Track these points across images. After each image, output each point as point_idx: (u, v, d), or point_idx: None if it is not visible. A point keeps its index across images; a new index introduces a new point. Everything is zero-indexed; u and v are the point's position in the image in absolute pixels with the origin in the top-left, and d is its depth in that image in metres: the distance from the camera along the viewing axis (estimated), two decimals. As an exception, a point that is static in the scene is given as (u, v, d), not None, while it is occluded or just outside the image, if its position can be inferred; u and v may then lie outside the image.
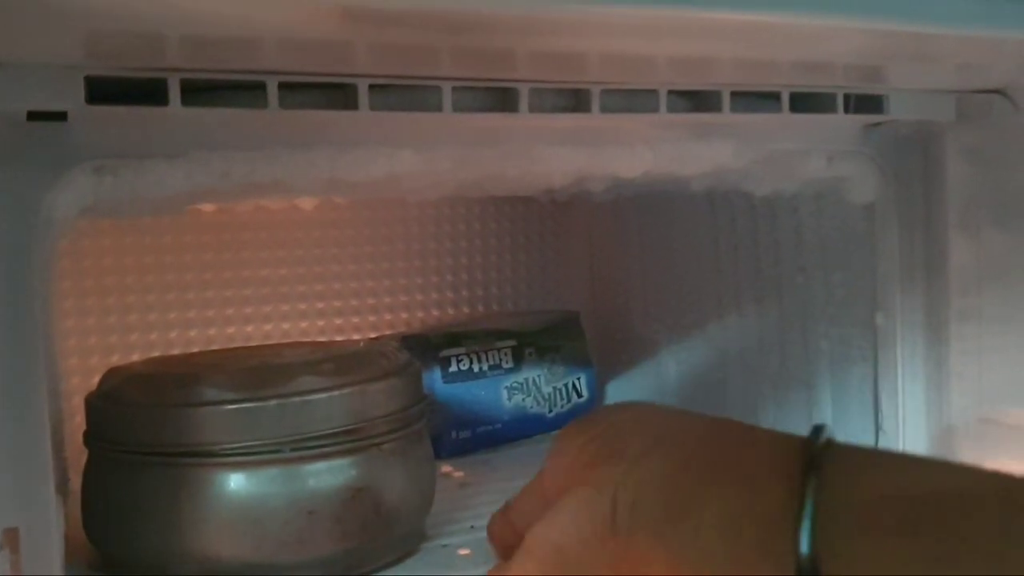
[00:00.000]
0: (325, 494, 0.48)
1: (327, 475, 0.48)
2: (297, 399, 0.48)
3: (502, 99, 0.47)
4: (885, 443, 0.63)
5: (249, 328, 0.82)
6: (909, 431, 0.62)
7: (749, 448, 0.36)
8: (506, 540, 0.44)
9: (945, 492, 0.31)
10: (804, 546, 0.31)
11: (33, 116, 0.40)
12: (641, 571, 0.36)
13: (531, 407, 0.81)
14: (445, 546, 0.53)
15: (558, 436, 0.41)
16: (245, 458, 0.47)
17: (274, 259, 0.83)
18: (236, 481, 0.47)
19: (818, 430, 0.33)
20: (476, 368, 0.78)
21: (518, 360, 0.80)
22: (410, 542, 0.53)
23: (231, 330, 0.81)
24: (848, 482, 0.32)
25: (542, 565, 0.38)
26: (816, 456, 0.32)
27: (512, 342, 0.81)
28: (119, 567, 0.50)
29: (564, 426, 0.41)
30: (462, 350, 0.78)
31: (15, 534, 0.40)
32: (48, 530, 0.41)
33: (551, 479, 0.40)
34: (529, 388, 0.81)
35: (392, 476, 0.50)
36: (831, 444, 0.33)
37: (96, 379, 0.56)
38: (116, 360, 0.72)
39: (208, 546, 0.47)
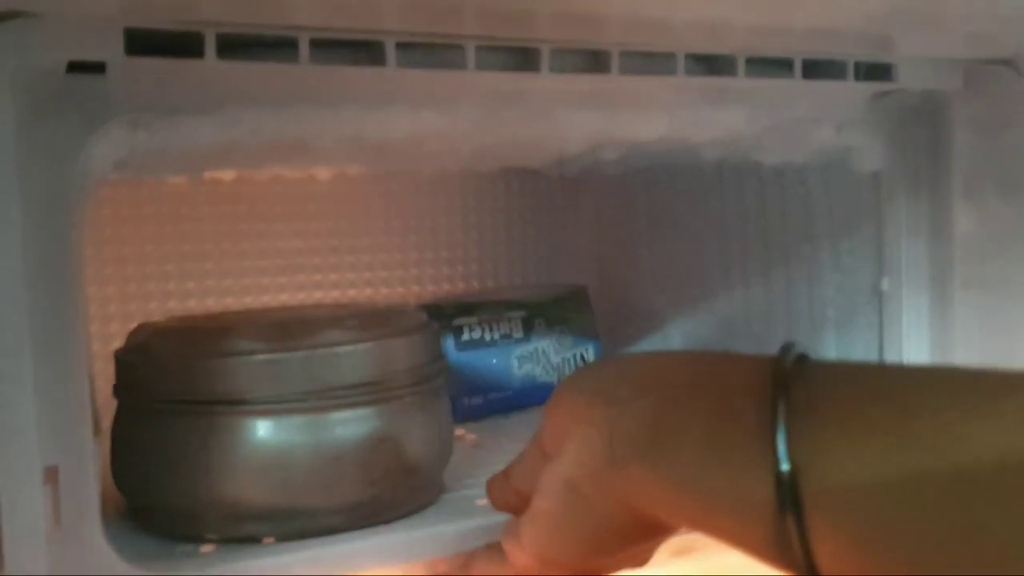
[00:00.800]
0: (350, 442, 0.49)
1: (352, 424, 0.49)
2: (324, 351, 0.49)
3: (523, 59, 0.48)
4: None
5: (265, 298, 0.83)
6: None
7: (726, 373, 0.37)
8: (506, 500, 0.47)
9: (908, 388, 0.32)
10: (783, 463, 0.32)
11: (73, 68, 0.41)
12: (638, 498, 0.37)
13: (540, 376, 0.82)
14: (464, 497, 0.55)
15: (551, 401, 0.43)
16: (274, 406, 0.48)
17: (290, 231, 0.84)
18: (265, 429, 0.48)
19: (787, 348, 0.35)
20: (488, 337, 0.80)
21: (528, 331, 0.82)
22: (430, 492, 0.54)
23: (248, 299, 0.83)
24: (818, 395, 0.33)
25: (556, 500, 0.40)
26: (785, 373, 0.34)
27: (522, 313, 0.82)
28: (149, 514, 0.51)
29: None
30: (474, 319, 0.80)
31: (55, 472, 0.42)
32: (86, 469, 0.42)
33: (549, 437, 0.43)
34: (539, 358, 0.82)
35: (413, 427, 0.52)
36: (801, 360, 0.35)
37: (115, 346, 0.57)
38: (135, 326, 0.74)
39: (237, 492, 0.48)
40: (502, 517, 0.52)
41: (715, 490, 0.35)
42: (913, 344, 0.65)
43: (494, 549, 0.45)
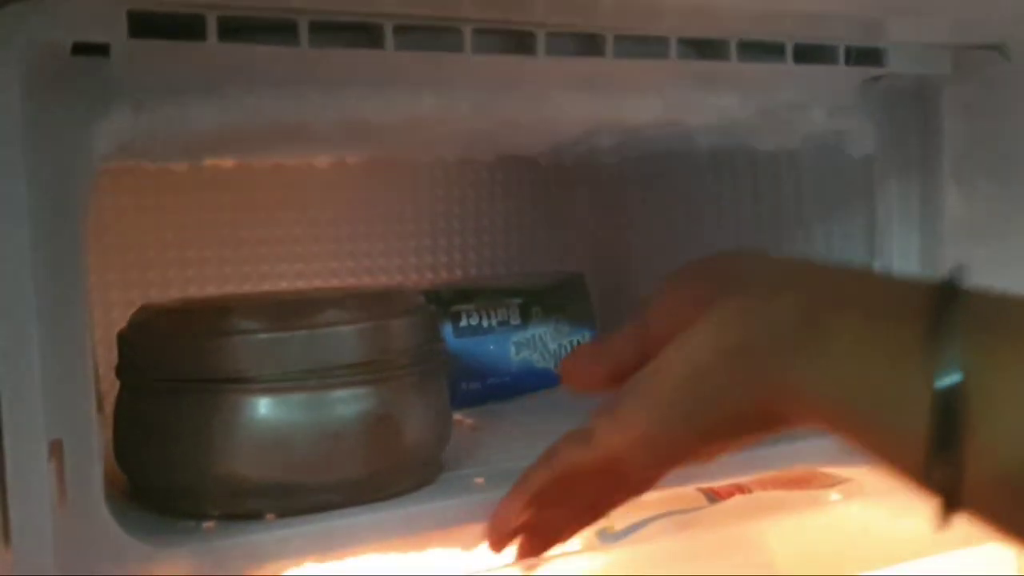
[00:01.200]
0: (350, 420, 0.50)
1: (352, 402, 0.50)
2: (325, 330, 0.50)
3: (519, 43, 0.49)
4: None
5: (265, 285, 0.84)
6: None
7: (879, 285, 0.36)
8: (588, 379, 0.46)
9: None
10: (945, 377, 0.30)
11: (77, 50, 0.42)
12: (778, 393, 0.36)
13: (537, 362, 0.83)
14: (462, 476, 0.56)
15: (665, 284, 0.42)
16: (275, 385, 0.49)
17: (288, 219, 0.85)
18: (266, 407, 0.49)
19: (957, 272, 0.33)
20: (486, 323, 0.81)
21: (525, 317, 0.83)
22: (429, 471, 0.55)
23: (247, 287, 0.83)
24: (991, 312, 0.32)
25: (676, 380, 0.39)
26: (957, 291, 0.32)
27: (519, 300, 0.83)
28: (152, 492, 0.52)
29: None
30: (472, 306, 0.81)
31: (60, 446, 0.42)
32: (89, 444, 0.43)
33: (656, 321, 0.41)
34: (536, 344, 0.83)
35: (412, 406, 0.53)
36: (966, 288, 0.33)
37: (117, 331, 0.58)
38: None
39: (239, 468, 0.49)
40: (501, 493, 0.53)
41: (870, 395, 0.33)
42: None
43: (578, 434, 0.45)
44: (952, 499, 0.31)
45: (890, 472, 0.34)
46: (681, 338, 0.39)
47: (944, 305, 0.32)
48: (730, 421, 0.38)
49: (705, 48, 0.54)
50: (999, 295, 0.33)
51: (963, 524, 0.32)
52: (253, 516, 0.49)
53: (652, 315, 0.42)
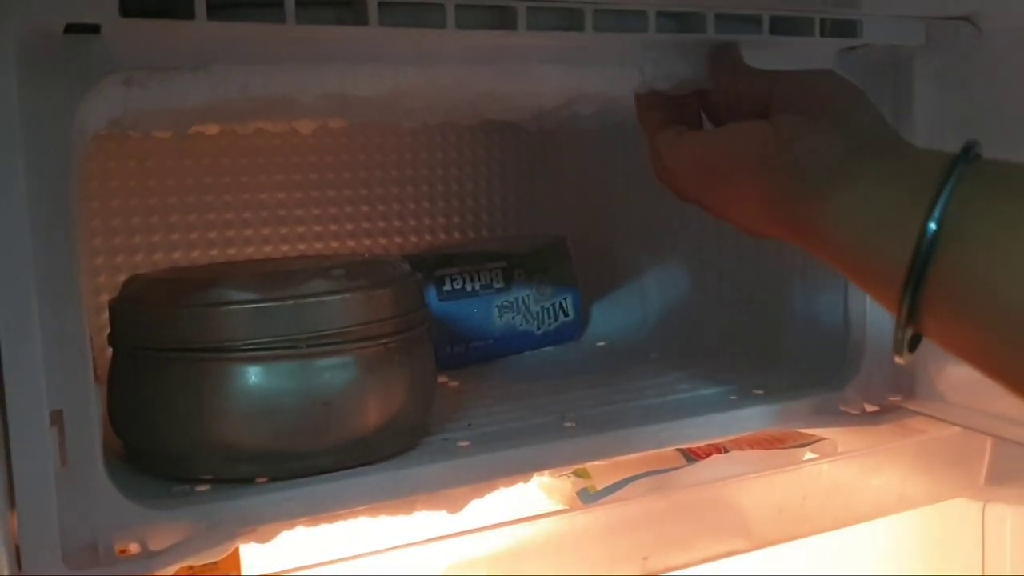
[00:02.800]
0: (337, 387, 0.52)
1: (340, 370, 0.52)
2: (312, 299, 0.51)
3: (501, 17, 0.50)
4: (852, 349, 0.67)
5: (250, 250, 0.85)
6: (874, 333, 0.66)
7: (914, 153, 0.43)
8: (654, 115, 0.56)
9: None
10: (935, 218, 0.37)
11: (69, 29, 0.42)
12: (779, 211, 0.45)
13: (520, 325, 0.85)
14: (446, 439, 0.57)
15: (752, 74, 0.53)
16: (264, 353, 0.50)
17: (272, 183, 0.86)
18: (256, 374, 0.50)
19: (972, 143, 0.40)
20: (469, 287, 0.82)
21: (508, 281, 0.84)
22: (415, 435, 0.57)
23: (232, 251, 0.85)
24: (992, 172, 0.39)
25: (691, 154, 0.51)
26: (968, 153, 0.39)
27: (503, 263, 0.84)
28: (147, 457, 0.53)
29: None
30: (455, 270, 0.82)
31: (60, 415, 0.44)
32: (89, 413, 0.45)
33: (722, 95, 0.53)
34: (519, 307, 0.85)
35: (398, 372, 0.54)
36: (978, 155, 0.40)
37: (103, 298, 0.59)
38: (123, 280, 0.76)
39: (230, 435, 0.51)
40: (482, 457, 0.55)
41: (870, 235, 0.40)
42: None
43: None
44: (913, 317, 0.39)
45: (870, 294, 0.43)
46: (737, 126, 0.49)
47: (951, 166, 0.38)
48: (732, 200, 0.49)
49: (683, 20, 0.55)
50: (1007, 163, 0.39)
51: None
52: (245, 480, 0.51)
53: (747, 79, 0.53)
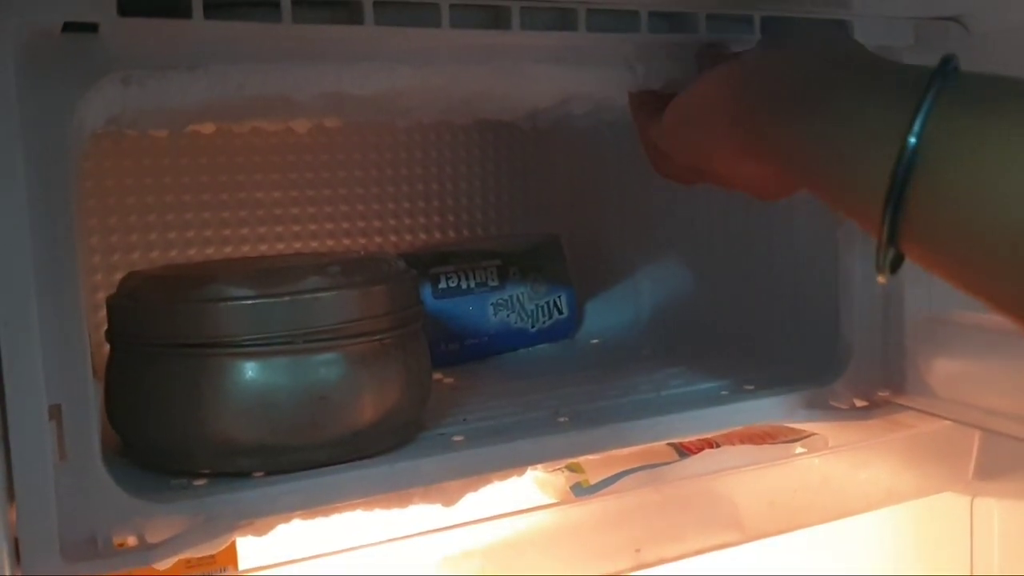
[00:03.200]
0: (333, 382, 0.52)
1: (335, 365, 0.52)
2: (308, 296, 0.52)
3: (495, 17, 0.50)
4: (842, 345, 0.68)
5: (246, 248, 0.86)
6: (864, 329, 0.67)
7: (893, 72, 0.42)
8: (647, 110, 0.56)
9: None
10: (914, 133, 0.36)
11: (68, 27, 0.43)
12: (755, 141, 0.44)
13: (515, 322, 0.85)
14: (441, 434, 0.58)
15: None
16: (260, 349, 0.51)
17: (268, 182, 0.87)
18: (253, 369, 0.51)
19: (947, 58, 0.39)
20: (464, 285, 0.83)
21: (503, 279, 0.85)
22: (410, 430, 0.57)
23: (228, 250, 0.85)
24: (971, 86, 0.38)
25: (671, 114, 0.51)
26: (947, 66, 0.38)
27: (497, 262, 0.85)
28: (144, 452, 0.54)
29: None
30: (451, 268, 0.83)
31: (59, 410, 0.44)
32: (87, 407, 0.45)
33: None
34: (513, 305, 0.85)
35: (393, 368, 0.55)
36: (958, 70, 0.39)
37: (100, 296, 0.59)
38: (119, 278, 0.76)
39: (227, 429, 0.51)
40: (476, 451, 0.55)
41: (847, 157, 0.39)
42: (866, 292, 0.68)
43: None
44: (893, 238, 0.37)
45: (851, 218, 0.41)
46: (705, 72, 0.49)
47: (929, 82, 0.37)
48: (715, 149, 0.48)
49: (675, 21, 0.56)
50: (988, 76, 0.39)
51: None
52: (242, 474, 0.51)
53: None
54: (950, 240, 0.36)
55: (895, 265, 0.40)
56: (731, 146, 0.46)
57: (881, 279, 0.40)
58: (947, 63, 0.38)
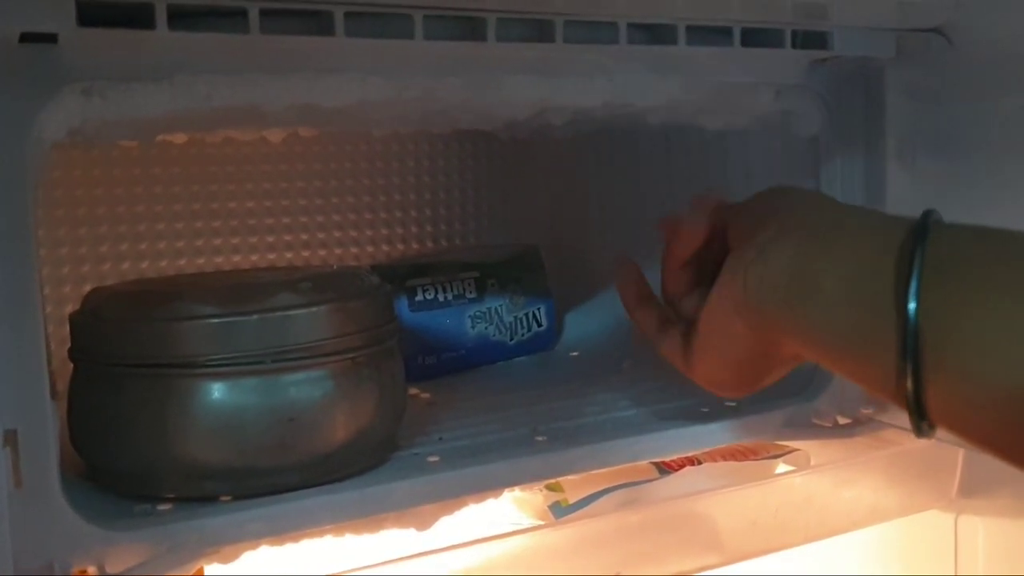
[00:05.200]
0: (304, 403, 0.51)
1: (305, 385, 0.51)
2: (278, 314, 0.50)
3: (471, 28, 0.49)
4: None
5: (219, 259, 0.84)
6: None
7: (866, 229, 0.42)
8: (636, 291, 0.60)
9: None
10: (911, 308, 0.36)
11: (25, 38, 0.41)
12: (772, 336, 0.45)
13: (493, 335, 0.84)
14: (416, 454, 0.57)
15: (732, 212, 0.51)
16: (228, 369, 0.49)
17: (242, 192, 0.85)
18: (220, 390, 0.49)
19: (928, 213, 0.39)
20: (441, 298, 0.81)
21: (481, 291, 0.83)
22: (384, 450, 0.56)
23: (201, 261, 0.83)
24: (954, 251, 0.38)
25: (701, 336, 0.50)
26: (924, 229, 0.38)
27: (475, 273, 0.84)
28: (107, 475, 0.52)
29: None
30: (428, 280, 0.81)
31: (14, 435, 0.43)
32: (44, 432, 0.44)
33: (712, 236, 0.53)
34: (492, 317, 0.84)
35: (366, 388, 0.53)
36: (939, 224, 0.39)
37: (69, 309, 0.57)
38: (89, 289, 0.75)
39: (193, 452, 0.50)
40: (452, 474, 0.54)
41: (850, 334, 0.40)
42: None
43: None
44: (920, 413, 0.37)
45: (873, 394, 0.42)
46: (707, 304, 0.49)
47: (912, 248, 0.38)
48: (753, 360, 0.48)
49: (654, 32, 0.54)
50: (967, 231, 0.39)
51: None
52: (208, 498, 0.50)
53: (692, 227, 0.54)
54: (974, 413, 0.36)
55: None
56: (771, 353, 0.48)
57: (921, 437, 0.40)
58: (927, 215, 0.39)
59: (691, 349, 0.52)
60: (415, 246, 0.93)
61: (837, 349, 0.41)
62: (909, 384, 0.37)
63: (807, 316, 0.42)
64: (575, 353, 0.88)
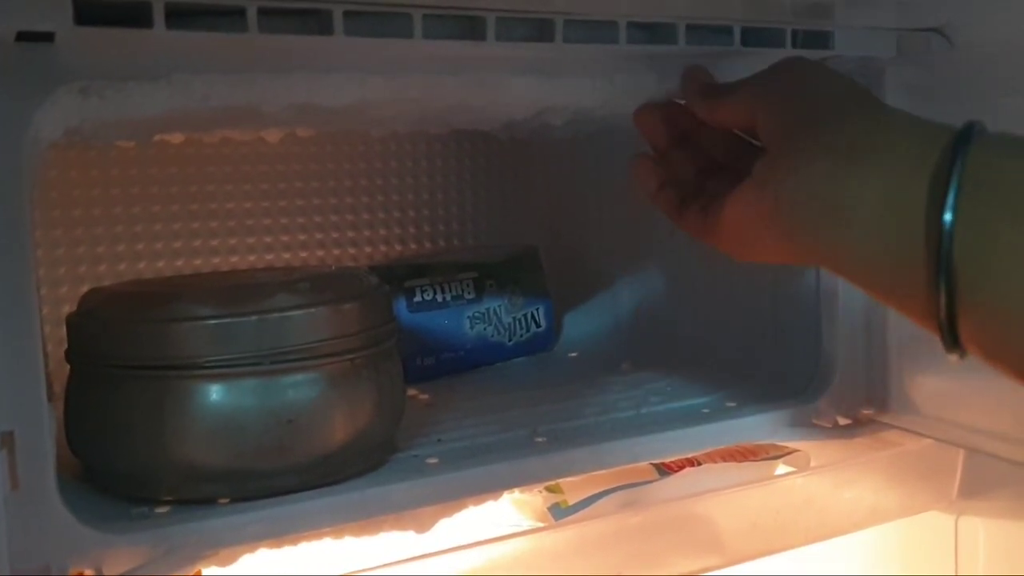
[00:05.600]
0: (302, 405, 0.50)
1: (304, 387, 0.51)
2: (276, 315, 0.50)
3: (470, 27, 0.49)
4: (825, 362, 0.67)
5: (216, 260, 0.84)
6: (847, 345, 0.66)
7: (904, 141, 0.40)
8: (654, 134, 0.56)
9: None
10: (947, 219, 0.35)
11: (22, 37, 0.41)
12: (802, 251, 0.43)
13: (492, 336, 0.84)
14: (415, 456, 0.56)
15: (742, 90, 0.50)
16: (226, 370, 0.49)
17: (240, 192, 0.85)
18: (217, 392, 0.49)
19: (971, 124, 0.37)
20: (440, 298, 0.81)
21: (480, 291, 0.83)
22: (383, 452, 0.56)
23: (198, 262, 0.83)
24: (999, 165, 0.36)
25: (725, 231, 0.49)
26: (966, 140, 0.36)
27: (474, 274, 0.83)
28: (105, 477, 0.52)
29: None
30: (426, 281, 0.81)
31: (11, 437, 0.42)
32: (41, 434, 0.43)
33: (724, 111, 0.51)
34: (490, 318, 0.84)
35: (365, 389, 0.53)
36: (983, 134, 0.37)
37: (66, 310, 0.57)
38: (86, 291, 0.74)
39: (191, 454, 0.49)
40: (451, 475, 0.54)
41: (880, 258, 0.38)
42: (847, 298, 0.67)
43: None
44: (953, 336, 0.36)
45: (903, 314, 0.40)
46: (732, 202, 0.48)
47: (951, 160, 0.36)
48: (772, 257, 0.48)
49: (654, 32, 0.54)
50: (1016, 143, 0.37)
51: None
52: (206, 501, 0.49)
53: (723, 108, 0.51)
54: (1009, 337, 0.35)
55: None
56: (786, 255, 0.47)
57: (954, 358, 0.38)
58: (962, 136, 0.37)
59: (716, 229, 0.50)
60: (413, 247, 0.93)
61: (870, 273, 0.40)
62: (942, 302, 0.35)
63: (840, 241, 0.40)
64: (574, 354, 0.87)
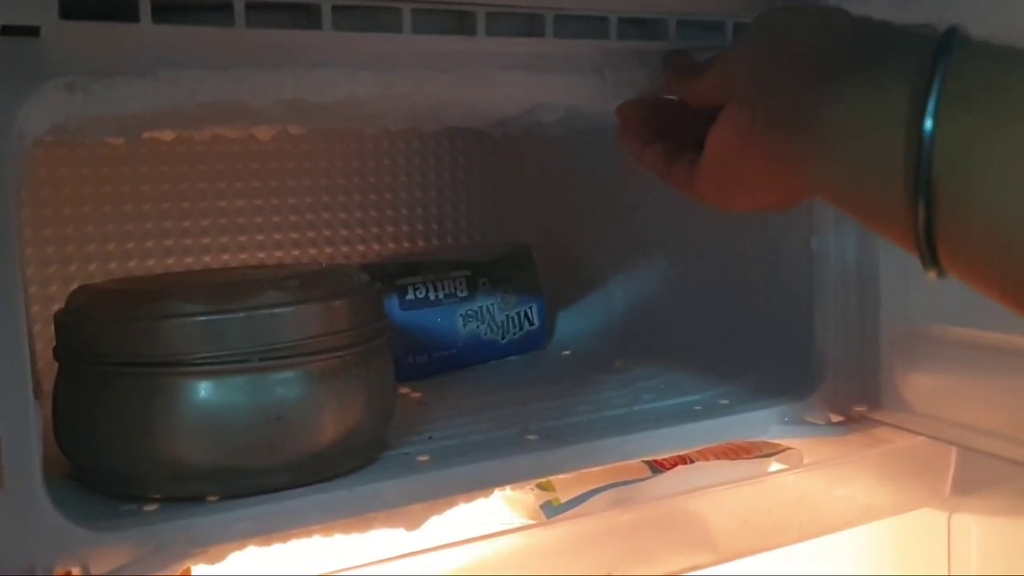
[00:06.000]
0: (291, 402, 0.50)
1: (293, 384, 0.50)
2: (265, 312, 0.50)
3: (460, 22, 0.49)
4: (818, 359, 0.66)
5: (207, 259, 0.84)
6: (839, 342, 0.66)
7: (882, 48, 0.39)
8: (636, 138, 0.56)
9: None
10: (927, 126, 0.33)
11: (7, 31, 0.41)
12: (781, 169, 0.43)
13: (485, 334, 0.83)
14: (406, 454, 0.56)
15: (716, 61, 0.49)
16: (215, 367, 0.49)
17: (231, 190, 0.84)
18: (206, 389, 0.49)
19: (953, 30, 0.36)
20: (432, 296, 0.81)
21: (472, 289, 0.83)
22: (373, 449, 0.55)
23: (190, 260, 0.83)
24: (981, 72, 0.34)
25: (708, 163, 0.49)
26: (947, 47, 0.35)
27: (467, 272, 0.83)
28: (93, 475, 0.52)
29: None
30: (419, 279, 0.81)
31: (-4, 437, 0.42)
32: (28, 432, 0.43)
33: (703, 87, 0.50)
34: (483, 316, 0.84)
35: (355, 387, 0.53)
36: (966, 41, 0.35)
37: (55, 308, 0.57)
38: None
39: (180, 452, 0.49)
40: (442, 473, 0.53)
41: (857, 170, 0.37)
42: (840, 295, 0.66)
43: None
44: (931, 252, 0.35)
45: (883, 236, 0.38)
46: (714, 130, 0.47)
47: (932, 66, 0.34)
48: (761, 187, 0.46)
49: (645, 27, 0.54)
50: (999, 51, 0.35)
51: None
52: (195, 499, 0.49)
53: (702, 83, 0.50)
54: (988, 252, 0.33)
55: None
56: (775, 187, 0.46)
57: (932, 275, 0.36)
58: (943, 42, 0.36)
59: (699, 173, 0.50)
60: (406, 245, 0.93)
61: (850, 189, 0.38)
62: (921, 215, 0.34)
63: (817, 156, 0.39)
64: (567, 352, 0.87)
